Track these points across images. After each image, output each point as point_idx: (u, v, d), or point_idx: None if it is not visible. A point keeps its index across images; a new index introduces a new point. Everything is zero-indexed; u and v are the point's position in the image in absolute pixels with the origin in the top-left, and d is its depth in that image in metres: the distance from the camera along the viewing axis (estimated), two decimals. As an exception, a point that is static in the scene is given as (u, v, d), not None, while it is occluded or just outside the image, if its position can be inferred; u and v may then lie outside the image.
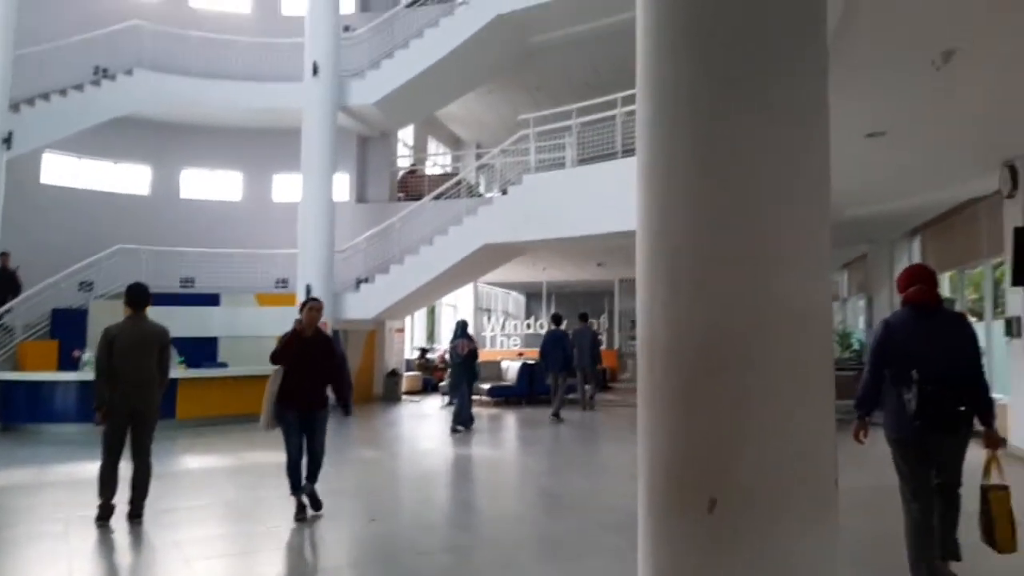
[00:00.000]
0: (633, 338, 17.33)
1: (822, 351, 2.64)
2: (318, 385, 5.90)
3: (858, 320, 20.02)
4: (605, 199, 12.71)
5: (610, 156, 13.11)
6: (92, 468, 7.76)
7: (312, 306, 6.08)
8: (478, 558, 4.82)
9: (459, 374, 11.97)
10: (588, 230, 13.23)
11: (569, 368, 13.71)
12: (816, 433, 2.57)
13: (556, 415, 12.82)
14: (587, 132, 13.63)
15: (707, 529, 2.46)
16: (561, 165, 14.27)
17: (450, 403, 15.73)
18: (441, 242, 14.96)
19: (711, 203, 2.63)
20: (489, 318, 25.56)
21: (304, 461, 5.97)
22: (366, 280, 15.92)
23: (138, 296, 5.99)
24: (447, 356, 20.61)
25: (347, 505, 6.55)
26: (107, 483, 5.73)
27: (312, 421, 5.87)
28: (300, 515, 5.80)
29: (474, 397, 15.85)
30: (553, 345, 13.57)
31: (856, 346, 16.94)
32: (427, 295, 16.88)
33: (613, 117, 13.10)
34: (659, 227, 2.72)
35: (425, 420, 13.62)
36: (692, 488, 2.51)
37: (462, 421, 11.57)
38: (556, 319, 14.15)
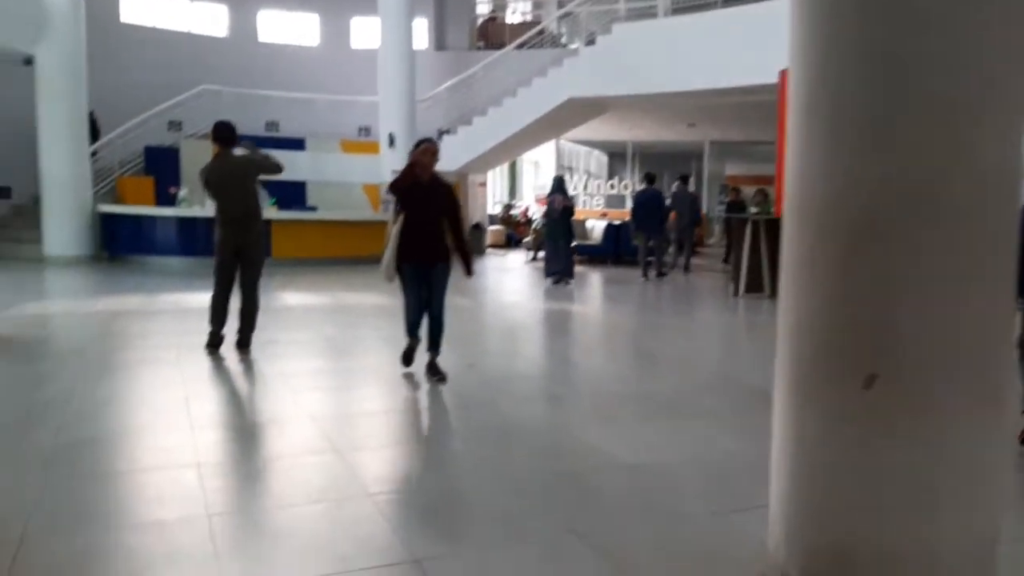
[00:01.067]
0: (723, 202, 16.78)
1: (1009, 217, 2.34)
2: (438, 238, 5.19)
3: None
4: (701, 54, 11.93)
5: (708, 6, 12.18)
6: (195, 298, 8.16)
7: (426, 147, 5.17)
8: (578, 410, 4.84)
9: (555, 230, 11.81)
10: (680, 86, 12.50)
11: (661, 229, 13.35)
12: (992, 312, 2.33)
13: (645, 275, 12.74)
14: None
15: (862, 404, 2.30)
16: (652, 15, 13.37)
17: (535, 258, 15.78)
18: (524, 94, 14.46)
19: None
20: (571, 177, 25.11)
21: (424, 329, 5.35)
22: (448, 131, 15.65)
23: (224, 132, 5.94)
24: (530, 212, 20.61)
25: (443, 349, 6.66)
26: (217, 314, 5.92)
27: (431, 277, 5.17)
28: (407, 360, 5.38)
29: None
30: (645, 204, 13.03)
31: None
32: (509, 149, 16.55)
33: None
34: (820, 63, 2.39)
35: (511, 273, 13.67)
36: (847, 361, 2.32)
37: (558, 273, 11.58)
38: (649, 178, 13.50)
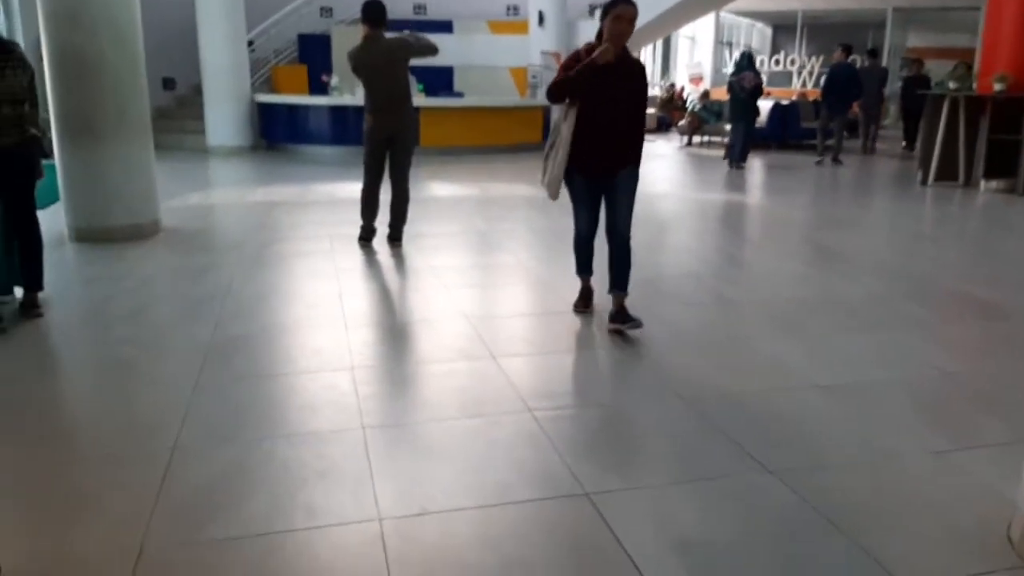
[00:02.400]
0: (902, 78, 14.84)
1: None
2: (627, 138, 3.81)
3: None
4: None
5: None
6: (347, 189, 8.10)
7: (622, 11, 3.63)
8: (755, 318, 4.30)
9: (740, 110, 11.06)
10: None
11: (847, 109, 12.13)
12: None
13: (821, 158, 11.90)
14: None
15: None
16: None
17: (689, 143, 14.82)
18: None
19: None
20: (730, 54, 23.25)
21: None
22: (598, 6, 14.59)
23: (374, 12, 5.52)
24: (685, 95, 19.32)
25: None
26: (368, 206, 5.76)
27: (612, 189, 3.85)
28: (585, 302, 4.19)
29: (717, 139, 14.81)
30: (840, 79, 11.67)
31: None
32: (667, 23, 15.27)
33: None
34: None
35: (665, 160, 12.87)
36: None
37: (735, 158, 11.07)
38: (846, 49, 12.04)
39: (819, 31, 23.80)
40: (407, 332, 4.04)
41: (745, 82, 10.94)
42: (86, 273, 5.06)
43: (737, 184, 10.03)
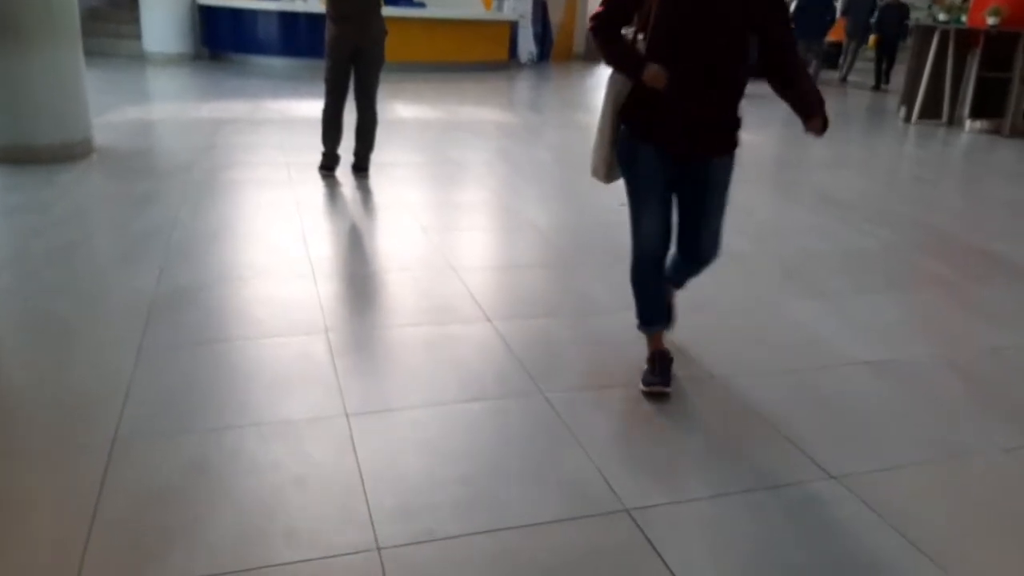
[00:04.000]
0: (885, 6, 14.25)
1: None
2: (727, 99, 2.43)
3: None
4: None
5: None
6: (303, 107, 7.39)
7: None
8: (772, 275, 3.90)
9: None
10: None
11: (822, 37, 11.85)
12: None
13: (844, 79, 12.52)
14: None
15: None
16: None
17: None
18: None
19: None
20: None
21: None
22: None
23: None
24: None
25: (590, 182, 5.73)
26: (330, 130, 5.10)
27: (698, 184, 2.48)
28: (658, 385, 2.53)
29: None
30: (812, 5, 11.47)
31: None
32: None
33: None
34: None
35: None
36: None
37: None
38: None
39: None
40: (386, 285, 3.52)
41: None
42: (7, 202, 4.37)
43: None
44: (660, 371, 2.55)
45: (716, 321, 3.21)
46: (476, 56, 12.12)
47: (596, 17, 2.34)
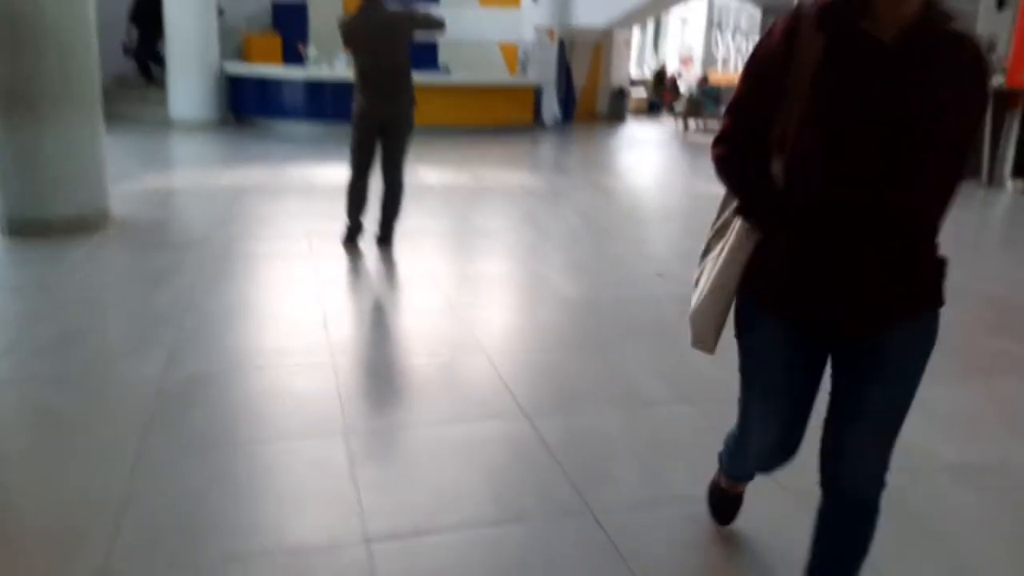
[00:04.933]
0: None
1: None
2: (903, 229, 1.44)
3: None
4: None
5: None
6: (326, 173, 7.25)
7: None
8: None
9: None
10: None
11: None
12: None
13: None
14: None
15: None
16: None
17: (686, 128, 14.09)
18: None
19: None
20: (721, 35, 22.57)
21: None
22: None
23: None
24: (678, 77, 18.57)
25: (624, 249, 5.47)
26: (355, 202, 4.90)
27: (867, 369, 1.52)
28: None
29: (712, 125, 14.10)
30: None
31: None
32: (664, 2, 14.48)
33: None
34: None
35: (666, 149, 12.14)
36: None
37: None
38: None
39: (812, 14, 23.13)
40: (412, 374, 3.22)
41: None
42: (14, 279, 4.17)
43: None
44: (721, 512, 2.13)
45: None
46: (501, 119, 12.06)
47: (723, 140, 1.54)
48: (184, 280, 4.15)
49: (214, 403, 2.78)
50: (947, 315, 4.17)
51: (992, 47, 17.95)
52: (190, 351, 3.21)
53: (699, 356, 3.36)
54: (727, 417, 2.83)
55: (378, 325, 3.83)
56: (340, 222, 4.98)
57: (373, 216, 4.95)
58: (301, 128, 10.67)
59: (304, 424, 2.63)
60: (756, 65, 1.49)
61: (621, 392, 3.01)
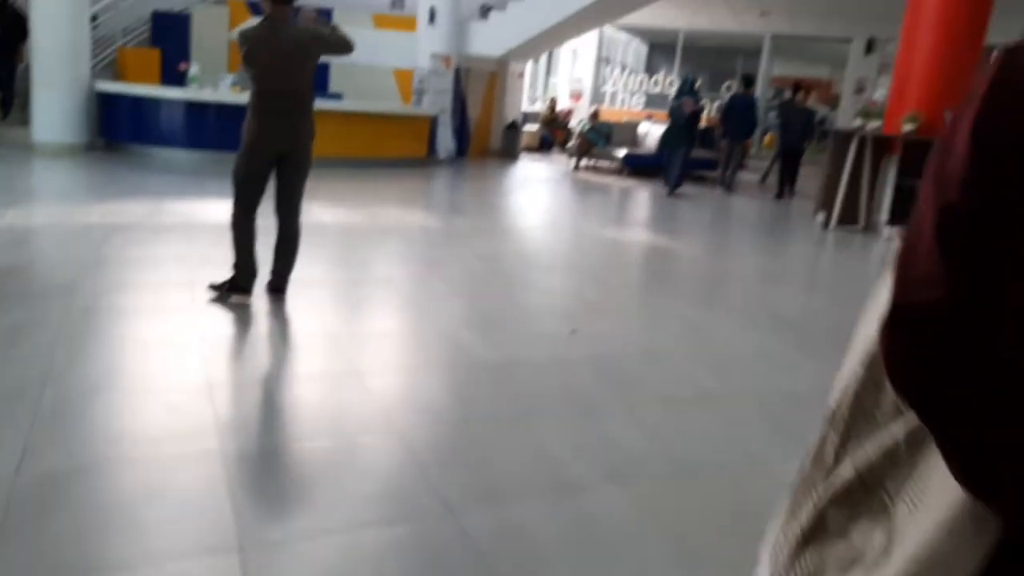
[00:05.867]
0: (789, 110, 14.69)
1: None
2: None
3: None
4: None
5: None
6: (210, 209, 6.73)
7: None
8: (761, 426, 3.51)
9: (678, 136, 10.95)
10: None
11: (745, 139, 12.39)
12: None
13: (729, 182, 12.08)
14: None
15: None
16: None
17: (577, 167, 14.18)
18: (592, -38, 12.45)
19: None
20: (610, 70, 23.09)
21: None
22: (492, 7, 13.73)
23: None
24: (570, 113, 18.81)
25: (532, 300, 5.28)
26: (245, 243, 4.38)
27: None
28: None
29: (604, 163, 14.30)
30: (742, 110, 11.91)
31: None
32: (564, 32, 14.56)
33: None
34: None
35: (558, 186, 12.14)
36: None
37: (676, 184, 11.02)
38: (747, 81, 12.50)
39: (693, 53, 24.09)
40: (317, 465, 2.86)
41: (686, 108, 10.80)
42: None
43: (651, 220, 9.43)
44: None
45: (708, 489, 2.72)
46: (395, 152, 11.74)
47: (911, 313, 0.53)
48: (43, 341, 3.62)
49: (74, 511, 2.34)
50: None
51: (861, 89, 19.26)
52: (48, 438, 2.75)
53: (618, 426, 3.22)
54: (657, 500, 2.66)
55: (274, 398, 3.44)
56: (227, 267, 4.51)
57: (264, 261, 4.53)
58: (181, 156, 9.96)
59: (190, 537, 2.25)
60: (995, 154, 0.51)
61: (547, 475, 2.78)
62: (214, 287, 4.41)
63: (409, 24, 13.35)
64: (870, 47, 18.80)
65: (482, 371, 3.80)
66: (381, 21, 13.88)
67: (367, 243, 6.53)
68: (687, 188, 11.80)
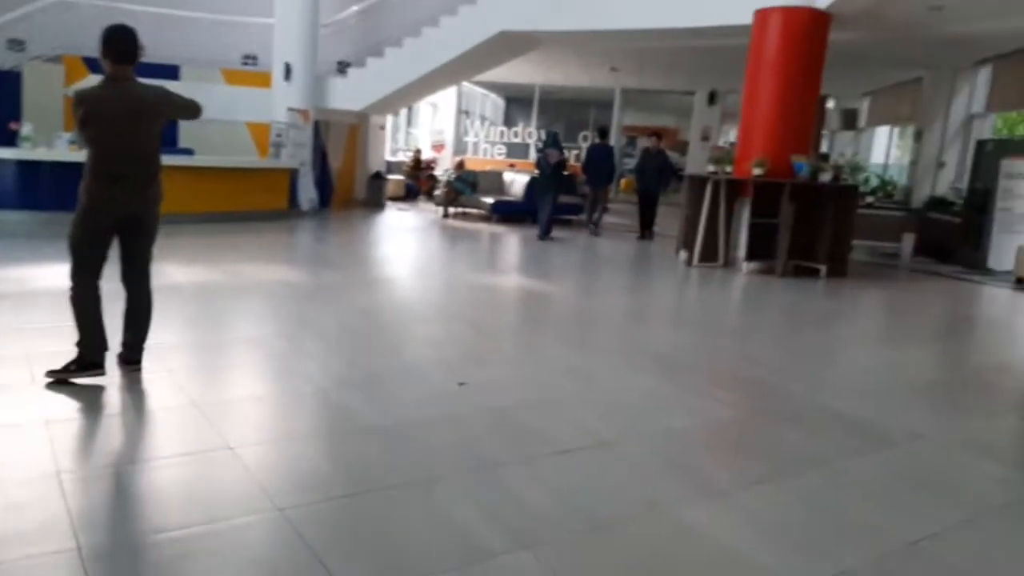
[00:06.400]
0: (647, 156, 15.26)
1: None
2: None
3: (875, 153, 18.74)
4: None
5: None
6: (47, 276, 6.12)
7: None
8: (655, 470, 3.46)
9: (546, 184, 11.80)
10: (641, 23, 11.05)
11: (606, 186, 13.20)
12: None
13: (595, 224, 12.86)
14: None
15: None
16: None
17: (446, 215, 14.17)
18: (449, 25, 12.65)
19: None
20: (471, 122, 23.45)
21: None
22: (350, 64, 13.64)
23: (124, 43, 3.88)
24: (436, 163, 18.87)
25: (415, 354, 5.07)
26: (89, 312, 3.91)
27: None
28: None
29: (472, 210, 14.37)
30: (600, 158, 12.74)
31: (877, 183, 15.12)
32: (422, 88, 14.70)
33: None
34: None
35: (427, 235, 12.02)
36: None
37: (544, 231, 11.59)
38: (602, 133, 13.40)
39: (549, 105, 24.89)
40: (191, 564, 2.51)
41: (551, 158, 11.58)
42: None
43: (524, 264, 9.45)
44: None
45: (618, 545, 2.61)
46: (254, 205, 11.29)
47: None
48: None
49: None
50: (736, 405, 4.30)
51: (707, 136, 20.50)
52: None
53: (520, 483, 3.07)
54: (568, 561, 2.52)
55: (136, 484, 3.02)
56: (70, 340, 4.03)
57: (113, 330, 4.09)
58: (12, 218, 9.13)
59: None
60: None
61: (454, 545, 2.58)
62: (55, 372, 3.92)
63: (262, 80, 13.02)
64: (712, 99, 20.17)
65: (369, 435, 3.55)
66: (233, 77, 13.45)
67: (229, 302, 6.11)
68: (556, 232, 12.06)
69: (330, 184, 13.96)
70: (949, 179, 13.53)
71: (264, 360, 4.74)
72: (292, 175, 12.29)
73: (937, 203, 12.66)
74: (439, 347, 5.22)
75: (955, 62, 12.99)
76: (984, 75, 12.95)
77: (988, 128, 13.25)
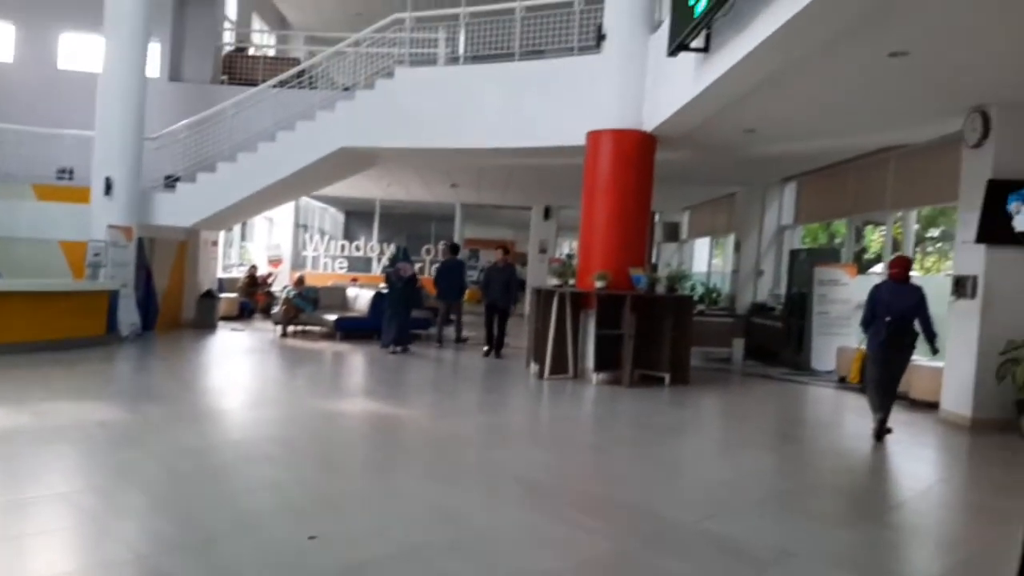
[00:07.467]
0: (493, 271, 15.35)
1: None
2: None
3: (697, 263, 20.01)
4: (501, 109, 11.01)
5: (507, 57, 11.27)
6: None
7: None
8: None
9: (397, 299, 11.96)
10: (475, 142, 11.37)
11: (460, 299, 13.39)
12: None
13: (458, 339, 13.28)
14: (477, 25, 11.64)
15: None
16: (435, 62, 12.24)
17: (284, 333, 13.50)
18: (286, 139, 12.43)
19: None
20: (309, 236, 22.97)
21: None
22: (179, 179, 13.00)
23: None
24: (270, 278, 18.09)
25: (258, 504, 4.51)
26: None
27: None
28: None
29: (314, 328, 13.81)
30: (450, 273, 12.99)
31: (703, 291, 16.06)
32: (259, 204, 14.25)
33: (512, 11, 11.24)
34: None
35: (267, 356, 11.29)
36: None
37: (395, 343, 11.78)
38: (454, 248, 13.69)
39: (390, 219, 24.95)
40: None
41: (404, 272, 11.92)
42: None
43: (373, 385, 9.00)
44: None
45: None
46: (66, 332, 10.18)
47: None
48: None
49: None
50: (610, 536, 4.09)
51: (544, 249, 21.14)
52: None
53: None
54: None
55: None
56: None
57: None
58: None
59: None
60: None
61: None
62: None
63: (79, 195, 12.11)
64: (547, 214, 21.04)
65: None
66: (45, 193, 12.44)
67: (32, 451, 5.26)
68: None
69: (155, 305, 12.96)
70: (768, 286, 14.58)
71: (73, 523, 4.02)
72: (111, 297, 11.27)
73: (759, 308, 13.57)
74: (284, 493, 4.69)
75: (765, 179, 14.25)
76: (790, 191, 14.27)
77: (797, 238, 14.51)
